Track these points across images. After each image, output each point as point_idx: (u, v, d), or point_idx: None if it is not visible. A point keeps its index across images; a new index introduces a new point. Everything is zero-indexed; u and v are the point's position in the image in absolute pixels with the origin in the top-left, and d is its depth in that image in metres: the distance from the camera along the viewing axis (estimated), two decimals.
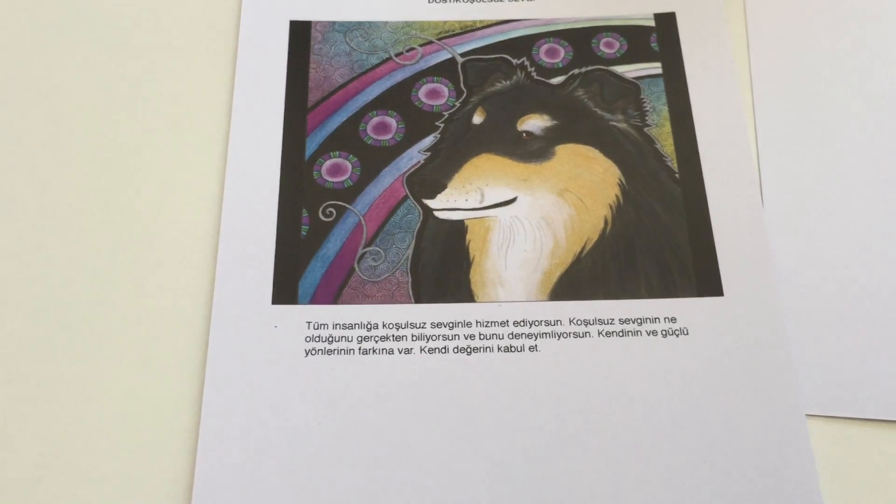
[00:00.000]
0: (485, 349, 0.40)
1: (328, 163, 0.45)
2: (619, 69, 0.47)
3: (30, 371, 0.40)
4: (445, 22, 0.49)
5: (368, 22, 0.49)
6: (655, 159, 0.45)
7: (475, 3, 0.49)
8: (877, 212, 0.43)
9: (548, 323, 0.41)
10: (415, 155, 0.45)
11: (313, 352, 0.40)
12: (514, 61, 0.48)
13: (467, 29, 0.49)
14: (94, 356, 0.40)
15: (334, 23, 0.49)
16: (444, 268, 0.42)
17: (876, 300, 0.41)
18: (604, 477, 0.37)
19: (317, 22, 0.49)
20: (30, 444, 0.38)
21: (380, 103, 0.46)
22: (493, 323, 0.41)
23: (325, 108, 0.46)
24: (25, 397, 0.39)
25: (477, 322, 0.41)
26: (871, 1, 0.49)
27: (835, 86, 0.47)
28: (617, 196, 0.44)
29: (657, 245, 0.42)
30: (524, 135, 0.45)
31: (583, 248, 0.42)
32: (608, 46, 0.48)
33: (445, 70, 0.47)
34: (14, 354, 0.40)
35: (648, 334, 0.40)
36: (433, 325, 0.41)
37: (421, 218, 0.43)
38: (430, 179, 0.44)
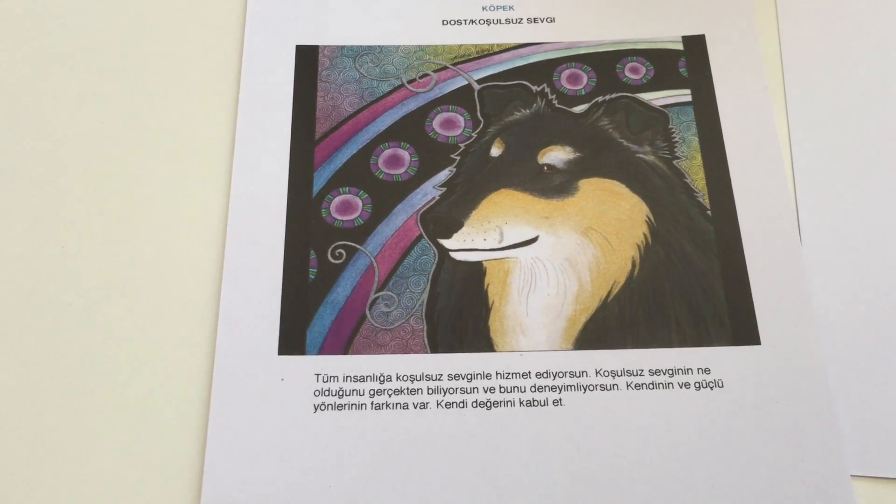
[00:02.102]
0: (505, 403, 0.38)
1: (337, 199, 0.42)
2: (646, 96, 0.44)
3: (27, 430, 0.38)
4: (461, 46, 0.46)
5: (379, 46, 0.46)
6: (686, 195, 0.42)
7: (492, 25, 0.47)
8: None
9: (573, 374, 0.38)
10: (429, 190, 0.42)
11: (322, 406, 0.38)
12: (534, 88, 0.45)
13: (484, 53, 0.46)
14: (92, 412, 0.38)
15: (343, 47, 0.46)
16: (461, 314, 0.39)
17: None
18: None
19: (324, 46, 0.46)
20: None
21: (392, 134, 0.44)
22: (515, 374, 0.38)
23: (333, 139, 0.43)
24: (23, 457, 0.37)
25: (497, 374, 0.38)
26: None
27: (877, 113, 0.44)
28: (645, 235, 0.41)
29: (689, 289, 0.40)
30: (545, 168, 0.43)
31: (609, 293, 0.40)
32: (634, 72, 0.45)
33: (461, 98, 0.45)
34: (14, 411, 0.38)
35: (680, 387, 0.38)
36: (450, 377, 0.38)
37: (436, 259, 0.41)
38: (446, 217, 0.41)
